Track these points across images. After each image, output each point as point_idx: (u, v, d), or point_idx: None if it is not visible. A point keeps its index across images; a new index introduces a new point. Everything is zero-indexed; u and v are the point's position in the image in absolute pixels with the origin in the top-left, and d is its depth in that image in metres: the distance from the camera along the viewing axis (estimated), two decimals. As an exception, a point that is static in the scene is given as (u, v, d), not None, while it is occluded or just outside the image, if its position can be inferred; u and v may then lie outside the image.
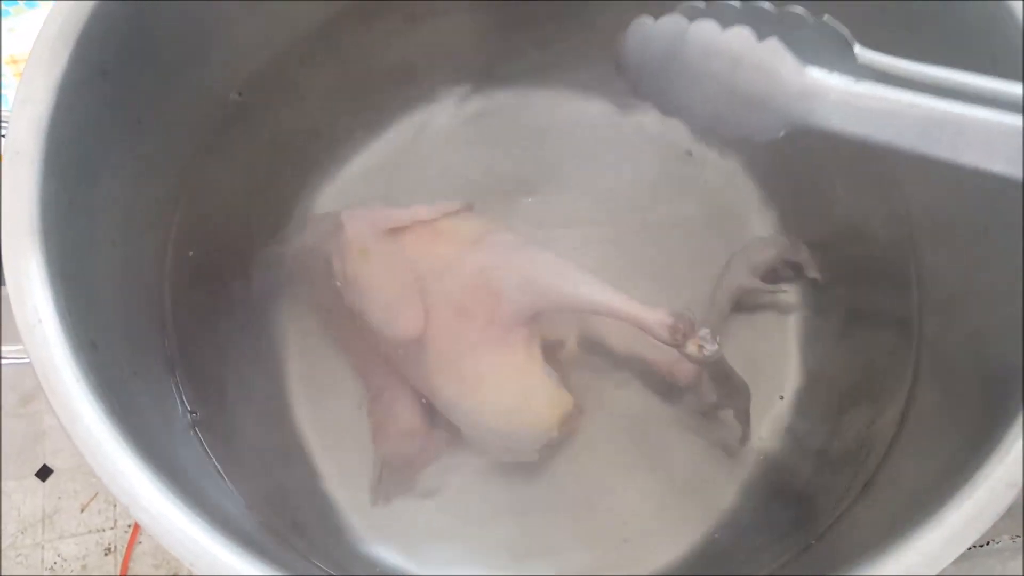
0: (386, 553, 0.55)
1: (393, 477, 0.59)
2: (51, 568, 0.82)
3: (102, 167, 0.42)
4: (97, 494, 0.84)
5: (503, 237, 0.56)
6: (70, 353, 0.34)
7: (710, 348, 0.50)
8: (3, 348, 0.39)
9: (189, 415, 0.45)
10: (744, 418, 0.56)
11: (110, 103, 0.43)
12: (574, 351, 0.57)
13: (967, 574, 0.62)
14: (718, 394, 0.56)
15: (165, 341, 0.47)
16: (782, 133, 0.39)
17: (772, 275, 0.61)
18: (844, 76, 0.36)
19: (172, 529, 0.32)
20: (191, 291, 0.50)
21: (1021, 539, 0.63)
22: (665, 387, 0.60)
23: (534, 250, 0.54)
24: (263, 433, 0.55)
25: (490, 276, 0.53)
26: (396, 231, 0.56)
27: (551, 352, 0.55)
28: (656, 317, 0.50)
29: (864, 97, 0.35)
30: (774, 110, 0.38)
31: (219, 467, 0.45)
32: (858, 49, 0.36)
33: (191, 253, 0.51)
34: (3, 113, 0.41)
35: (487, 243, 0.55)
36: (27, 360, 0.35)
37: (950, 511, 0.36)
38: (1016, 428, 0.37)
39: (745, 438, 0.56)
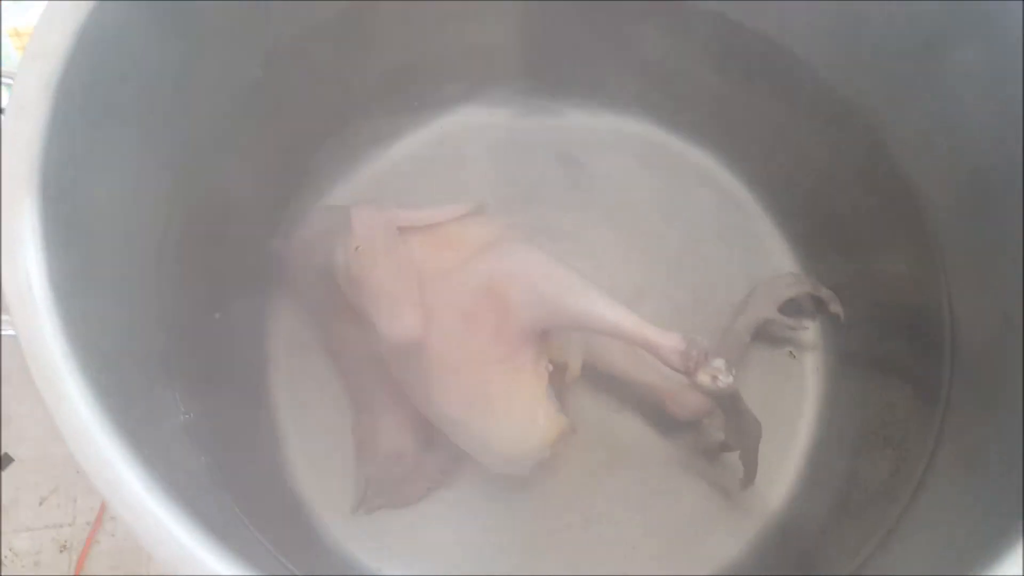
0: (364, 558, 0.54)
1: (378, 496, 0.56)
2: (1, 561, 0.78)
3: (108, 135, 0.39)
4: (58, 487, 0.80)
5: (514, 246, 0.54)
6: (60, 325, 0.31)
7: (725, 380, 0.48)
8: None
9: (183, 414, 0.42)
10: (751, 459, 0.53)
11: (123, 69, 0.40)
12: (576, 375, 0.55)
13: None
14: (727, 432, 0.54)
15: (159, 330, 0.44)
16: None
17: (793, 309, 0.60)
18: None
19: (158, 531, 0.29)
20: (187, 278, 0.48)
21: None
22: (668, 422, 0.58)
23: (547, 262, 0.52)
24: (251, 436, 0.53)
25: (499, 285, 0.51)
26: (405, 232, 0.54)
27: (553, 374, 0.53)
28: (669, 342, 0.48)
29: None
30: None
31: (209, 466, 0.42)
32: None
33: (188, 244, 0.48)
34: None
35: (498, 250, 0.53)
36: (10, 332, 0.32)
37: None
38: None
39: (749, 481, 0.54)
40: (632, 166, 0.64)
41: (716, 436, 0.56)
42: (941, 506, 0.46)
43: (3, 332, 0.36)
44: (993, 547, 0.34)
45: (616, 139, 0.65)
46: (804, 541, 0.54)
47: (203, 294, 0.50)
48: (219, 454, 0.44)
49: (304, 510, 0.55)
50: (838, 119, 0.57)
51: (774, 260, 0.63)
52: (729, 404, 0.51)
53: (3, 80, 0.39)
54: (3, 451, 0.81)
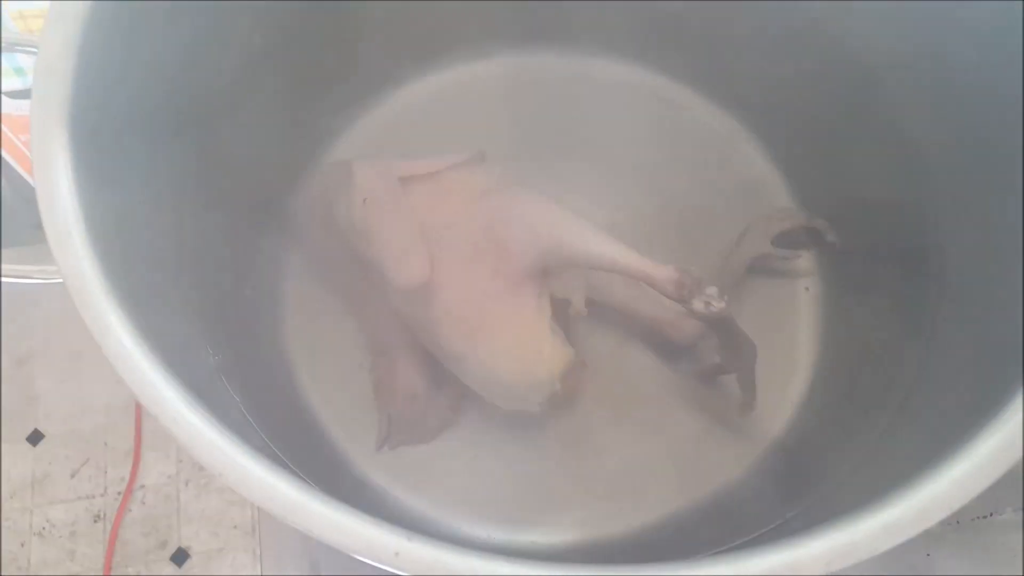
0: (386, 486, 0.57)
1: (400, 434, 0.59)
2: (39, 533, 0.81)
3: (127, 93, 0.42)
4: (88, 460, 0.83)
5: (512, 191, 0.56)
6: (99, 266, 0.34)
7: (718, 305, 0.50)
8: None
9: (212, 357, 0.45)
10: (749, 383, 0.54)
11: (137, 33, 0.42)
12: (580, 310, 0.57)
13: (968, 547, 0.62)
14: (722, 355, 0.56)
15: (184, 278, 0.46)
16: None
17: (787, 242, 0.61)
18: None
19: (201, 439, 0.31)
20: (209, 229, 0.50)
21: (1022, 511, 0.63)
22: (668, 349, 0.60)
23: (543, 203, 0.54)
24: (273, 381, 0.55)
25: (498, 229, 0.53)
26: (406, 182, 0.56)
27: (558, 310, 0.55)
28: (663, 273, 0.51)
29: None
30: None
31: (239, 407, 0.45)
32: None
33: (207, 194, 0.51)
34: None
35: (496, 196, 0.55)
36: (58, 280, 0.35)
37: (945, 471, 0.34)
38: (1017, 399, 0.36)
39: (749, 405, 0.55)
40: (626, 109, 0.66)
41: (712, 359, 0.58)
42: (927, 413, 0.48)
43: (44, 281, 0.38)
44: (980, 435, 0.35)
45: (611, 83, 0.67)
46: (804, 456, 0.56)
47: (223, 246, 0.52)
48: (249, 396, 0.46)
49: (333, 448, 0.57)
50: (828, 52, 0.59)
51: (768, 196, 0.65)
52: (723, 328, 0.53)
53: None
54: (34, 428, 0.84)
